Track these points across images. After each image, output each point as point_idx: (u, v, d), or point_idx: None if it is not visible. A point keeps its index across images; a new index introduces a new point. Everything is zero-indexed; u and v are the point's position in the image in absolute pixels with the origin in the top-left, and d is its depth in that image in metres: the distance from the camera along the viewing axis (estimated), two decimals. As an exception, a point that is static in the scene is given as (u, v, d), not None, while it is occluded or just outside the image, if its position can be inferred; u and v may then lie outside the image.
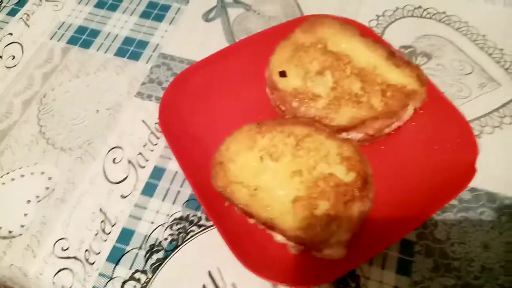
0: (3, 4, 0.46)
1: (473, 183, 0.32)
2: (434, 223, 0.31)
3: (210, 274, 0.30)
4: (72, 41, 0.43)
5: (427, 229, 0.31)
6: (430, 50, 0.41)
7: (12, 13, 0.46)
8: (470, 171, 0.30)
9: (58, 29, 0.44)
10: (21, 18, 0.45)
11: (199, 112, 0.35)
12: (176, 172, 0.35)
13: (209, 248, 0.31)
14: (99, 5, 0.46)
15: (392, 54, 0.34)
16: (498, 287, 0.29)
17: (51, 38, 0.44)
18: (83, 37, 0.44)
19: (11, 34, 0.44)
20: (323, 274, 0.27)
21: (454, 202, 0.32)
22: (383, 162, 0.31)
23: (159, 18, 0.45)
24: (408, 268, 0.30)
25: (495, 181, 0.33)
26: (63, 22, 0.45)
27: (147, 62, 0.41)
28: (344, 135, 0.32)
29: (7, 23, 0.45)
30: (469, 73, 0.39)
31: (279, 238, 0.29)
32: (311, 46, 0.35)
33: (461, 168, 0.31)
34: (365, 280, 0.29)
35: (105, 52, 0.42)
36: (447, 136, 0.32)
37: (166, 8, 0.45)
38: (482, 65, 0.40)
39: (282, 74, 0.34)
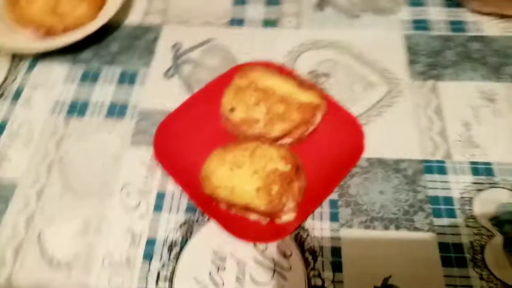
0: (5, 94, 0.60)
1: (367, 155, 0.50)
2: (348, 185, 0.49)
3: (213, 252, 0.46)
4: (70, 112, 0.58)
5: (344, 190, 0.49)
6: (328, 71, 0.59)
7: (15, 99, 0.60)
8: (360, 148, 0.49)
9: (56, 106, 0.58)
10: (23, 102, 0.59)
11: (182, 145, 0.51)
12: (173, 191, 0.50)
13: (209, 235, 0.47)
14: (82, 80, 0.61)
15: (301, 83, 0.53)
16: (392, 215, 0.47)
17: (52, 114, 0.58)
18: (77, 108, 0.58)
19: (18, 116, 0.58)
20: (285, 231, 0.44)
21: (357, 169, 0.50)
22: (308, 154, 0.49)
23: (132, 82, 0.60)
24: (337, 216, 0.47)
25: (381, 151, 0.52)
26: (57, 100, 0.59)
27: (131, 119, 0.57)
28: (279, 142, 0.50)
29: (14, 107, 0.59)
30: (356, 82, 0.58)
31: (252, 216, 0.45)
32: (247, 87, 0.52)
33: (356, 147, 0.49)
34: (311, 230, 0.47)
35: (98, 117, 0.57)
36: (344, 129, 0.51)
37: (134, 73, 0.61)
38: (364, 74, 0.59)
39: (232, 110, 0.51)
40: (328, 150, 0.50)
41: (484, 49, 0.60)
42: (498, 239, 0.45)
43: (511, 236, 0.45)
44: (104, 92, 0.59)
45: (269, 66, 0.55)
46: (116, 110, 0.57)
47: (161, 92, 0.59)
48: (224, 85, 0.53)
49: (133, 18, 0.67)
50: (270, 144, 0.47)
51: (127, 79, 0.60)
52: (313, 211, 0.46)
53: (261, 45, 0.62)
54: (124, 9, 0.67)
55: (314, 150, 0.50)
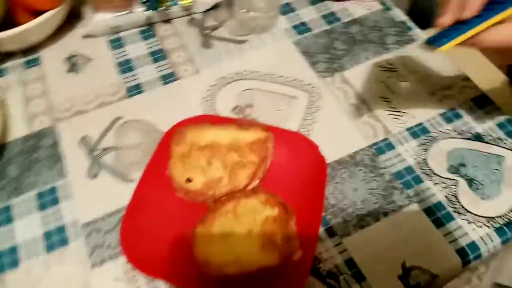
0: None
1: (330, 159, 0.53)
2: (325, 198, 0.51)
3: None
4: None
5: (325, 203, 0.51)
6: (249, 101, 0.60)
7: None
8: (321, 159, 0.51)
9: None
10: None
11: (153, 238, 0.46)
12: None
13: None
14: (4, 223, 0.51)
15: (239, 124, 0.52)
16: (374, 205, 0.50)
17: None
18: (8, 261, 0.48)
19: None
20: (304, 270, 0.44)
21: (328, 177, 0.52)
22: (279, 187, 0.49)
23: (55, 201, 0.52)
24: (333, 230, 0.48)
25: (333, 153, 0.54)
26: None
27: (77, 240, 0.49)
28: (250, 186, 0.49)
29: None
30: (278, 102, 0.60)
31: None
32: (190, 151, 0.50)
33: (317, 159, 0.51)
34: (319, 255, 0.47)
35: (37, 258, 0.48)
36: (297, 148, 0.52)
37: (53, 190, 0.53)
38: (281, 91, 0.61)
39: (189, 180, 0.48)
40: (295, 174, 0.51)
41: (362, 29, 0.68)
42: (463, 183, 0.51)
43: (470, 177, 0.52)
44: (29, 227, 0.51)
45: (198, 121, 0.53)
46: (55, 239, 0.50)
47: (94, 195, 0.52)
48: (165, 158, 0.50)
49: (17, 131, 0.59)
50: (245, 196, 0.46)
51: (48, 200, 0.52)
52: (317, 237, 0.47)
53: (172, 102, 0.60)
54: (3, 126, 0.57)
55: (283, 180, 0.50)
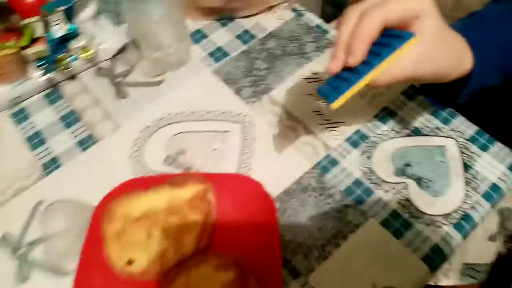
0: None
1: (277, 191, 0.50)
2: (282, 235, 0.48)
3: None
4: None
5: (282, 242, 0.48)
6: (180, 147, 0.56)
7: None
8: (267, 197, 0.48)
9: None
10: None
11: None
12: None
13: None
14: None
15: (172, 183, 0.48)
16: (332, 230, 0.48)
17: None
18: None
19: None
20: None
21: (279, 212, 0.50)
22: (230, 240, 0.46)
23: None
24: (296, 270, 0.46)
25: (275, 184, 0.52)
26: None
27: None
28: (199, 249, 0.45)
29: None
30: (211, 141, 0.56)
31: None
32: (124, 226, 0.46)
33: (264, 198, 0.48)
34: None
35: None
36: (240, 191, 0.49)
37: None
38: (212, 128, 0.58)
39: (130, 262, 0.44)
40: (243, 222, 0.47)
41: (280, 42, 0.65)
42: (412, 184, 0.50)
43: (418, 176, 0.51)
44: None
45: (126, 189, 0.49)
46: None
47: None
48: (100, 240, 0.45)
49: None
50: (196, 264, 0.42)
51: None
52: (281, 283, 0.44)
53: (96, 169, 0.55)
54: None
55: (232, 232, 0.47)
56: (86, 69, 0.65)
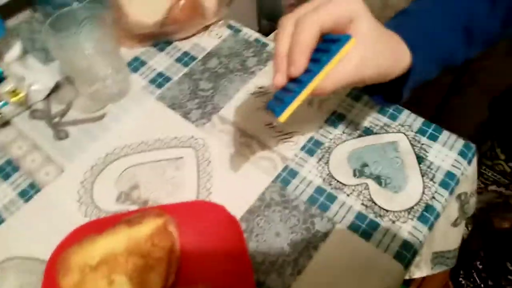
0: None
1: (241, 212, 0.49)
2: (252, 257, 0.47)
3: None
4: None
5: (253, 265, 0.46)
6: (133, 182, 0.53)
7: None
8: (232, 219, 0.46)
9: None
10: None
11: None
12: None
13: None
14: None
15: (127, 221, 0.45)
16: (301, 243, 0.47)
17: None
18: None
19: None
20: None
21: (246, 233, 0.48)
22: (197, 267, 0.44)
23: None
24: (267, 286, 0.45)
25: (241, 203, 0.50)
26: None
27: None
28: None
29: None
30: (164, 171, 0.54)
31: None
32: (83, 277, 0.42)
33: (231, 223, 0.46)
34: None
35: None
36: (203, 218, 0.47)
37: None
38: (164, 157, 0.55)
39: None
40: (210, 249, 0.45)
41: (221, 61, 0.65)
42: (372, 183, 0.51)
43: (376, 174, 0.51)
44: None
45: (80, 236, 0.45)
46: None
47: None
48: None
49: None
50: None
51: None
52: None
53: (44, 220, 0.51)
54: None
55: (200, 262, 0.45)
56: (19, 114, 0.60)
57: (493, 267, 1.14)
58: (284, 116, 0.37)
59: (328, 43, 0.37)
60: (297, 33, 0.37)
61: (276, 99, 0.40)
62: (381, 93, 0.47)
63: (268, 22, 1.36)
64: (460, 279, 1.29)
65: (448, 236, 0.60)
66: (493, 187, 0.75)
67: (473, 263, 1.23)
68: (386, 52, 0.40)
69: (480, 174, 0.76)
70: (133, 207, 0.51)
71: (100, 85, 0.59)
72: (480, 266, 1.20)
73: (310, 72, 0.37)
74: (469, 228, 1.11)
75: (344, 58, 0.37)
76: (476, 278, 1.22)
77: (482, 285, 1.21)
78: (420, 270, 0.63)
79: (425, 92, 1.24)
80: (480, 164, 0.74)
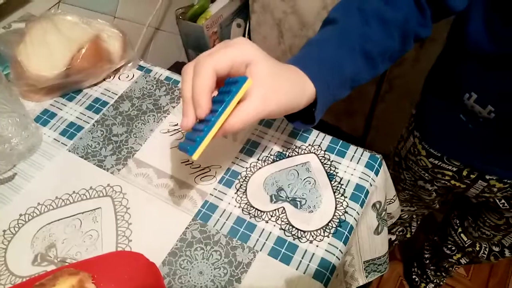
0: None
1: (162, 255, 0.49)
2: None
3: None
4: None
5: (179, 308, 0.47)
6: (49, 241, 0.52)
7: None
8: (150, 264, 0.47)
9: None
10: None
11: None
12: None
13: None
14: None
15: (39, 285, 0.45)
16: (223, 277, 0.49)
17: None
18: None
19: None
20: None
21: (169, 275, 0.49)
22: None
23: None
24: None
25: (162, 247, 0.51)
26: None
27: None
28: None
29: None
30: (81, 223, 0.54)
31: None
32: None
33: (143, 266, 0.47)
34: None
35: None
36: (118, 266, 0.47)
37: None
38: (80, 210, 0.55)
39: None
40: None
41: (133, 103, 0.66)
42: (289, 206, 0.53)
43: (292, 197, 0.54)
44: None
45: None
46: None
47: None
48: None
49: None
50: None
51: None
52: None
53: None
54: None
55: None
56: None
57: (436, 255, 1.21)
58: (196, 155, 0.40)
59: (230, 85, 0.41)
60: (196, 76, 0.41)
61: (187, 139, 0.43)
62: (299, 119, 0.50)
63: (194, 51, 1.39)
64: (414, 276, 1.35)
65: (374, 243, 0.63)
66: (421, 182, 0.81)
67: (422, 259, 1.30)
68: (286, 87, 0.43)
69: (408, 169, 0.81)
70: (51, 268, 0.50)
71: (6, 146, 0.58)
72: (427, 261, 1.26)
73: (216, 112, 0.40)
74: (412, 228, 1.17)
75: (247, 97, 0.40)
76: (426, 270, 1.28)
77: (432, 274, 1.27)
78: (356, 280, 0.66)
79: (354, 104, 1.32)
80: (406, 159, 0.80)
